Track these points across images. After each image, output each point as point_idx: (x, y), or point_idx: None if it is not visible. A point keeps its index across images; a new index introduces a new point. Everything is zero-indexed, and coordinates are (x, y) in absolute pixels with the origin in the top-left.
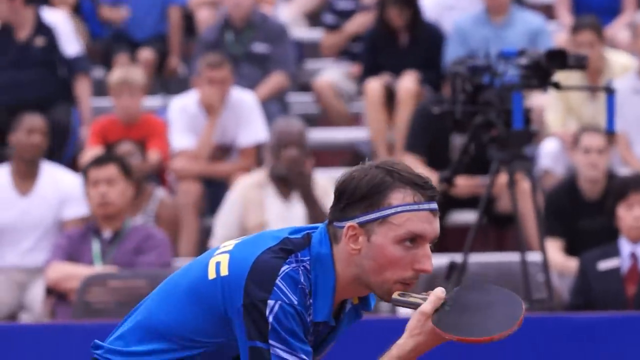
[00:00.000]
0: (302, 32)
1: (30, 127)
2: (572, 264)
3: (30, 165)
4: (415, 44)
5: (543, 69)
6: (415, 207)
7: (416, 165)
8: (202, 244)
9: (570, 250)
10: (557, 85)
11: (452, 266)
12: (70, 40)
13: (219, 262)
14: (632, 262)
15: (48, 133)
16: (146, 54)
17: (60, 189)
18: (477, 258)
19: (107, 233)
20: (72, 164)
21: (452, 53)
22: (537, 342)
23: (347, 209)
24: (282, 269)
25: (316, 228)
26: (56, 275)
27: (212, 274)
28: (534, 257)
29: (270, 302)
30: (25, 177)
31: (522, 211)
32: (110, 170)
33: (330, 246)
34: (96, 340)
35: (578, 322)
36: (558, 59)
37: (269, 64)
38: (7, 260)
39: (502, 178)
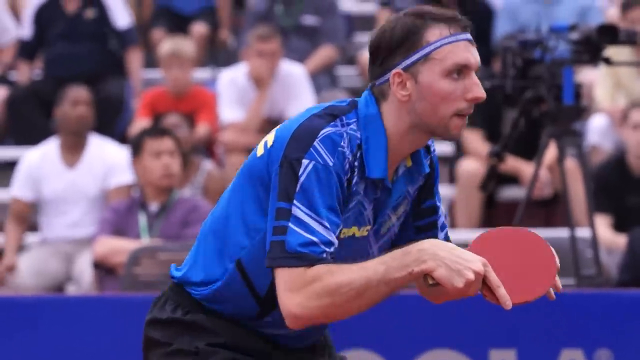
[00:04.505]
0: (351, 5)
1: (75, 99)
2: (620, 240)
3: (77, 137)
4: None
5: (594, 44)
6: (454, 38)
7: (476, 140)
8: None
9: (619, 226)
10: (607, 61)
11: None
12: (121, 12)
13: (266, 140)
14: None
15: (95, 105)
16: (198, 27)
17: (106, 160)
18: None
19: (153, 206)
20: (123, 137)
21: (501, 29)
22: (585, 319)
23: (387, 60)
24: (324, 130)
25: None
26: (103, 250)
27: (260, 152)
28: (582, 233)
29: (305, 162)
30: (73, 149)
31: (570, 187)
32: (169, 143)
33: (378, 106)
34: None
35: (627, 298)
36: (609, 34)
37: (319, 36)
38: (55, 232)
39: (551, 154)
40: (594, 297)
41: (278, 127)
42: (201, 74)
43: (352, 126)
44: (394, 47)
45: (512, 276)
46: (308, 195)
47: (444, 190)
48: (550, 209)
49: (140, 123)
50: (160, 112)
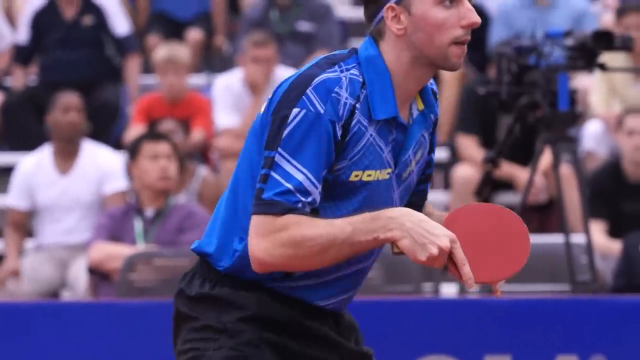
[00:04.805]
0: (346, 10)
1: (66, 105)
2: (615, 246)
3: (70, 144)
4: None
5: (589, 50)
6: None
7: (471, 146)
8: None
9: (614, 232)
10: (603, 67)
11: None
12: (120, 19)
13: (269, 95)
14: None
15: (90, 111)
16: (193, 33)
17: (100, 166)
18: None
19: (149, 212)
20: (118, 143)
21: (496, 35)
22: (580, 324)
23: None
24: (318, 78)
25: None
26: (98, 255)
27: (262, 107)
28: (577, 239)
29: (295, 110)
30: (66, 156)
31: (565, 193)
32: (166, 147)
33: (377, 47)
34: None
35: (622, 304)
36: (604, 40)
37: (314, 42)
38: (50, 238)
39: (546, 160)
40: (589, 303)
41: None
42: (196, 79)
43: (352, 70)
44: None
45: (482, 253)
46: (293, 143)
47: (439, 197)
48: (545, 214)
49: (135, 129)
50: (156, 118)
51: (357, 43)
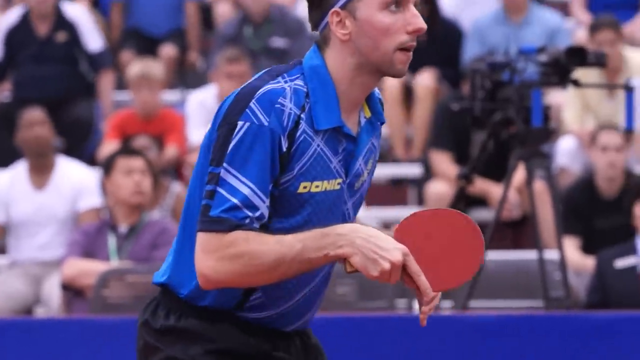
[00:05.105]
0: None
1: (30, 121)
2: (589, 262)
3: (43, 158)
4: (433, 41)
5: (562, 66)
6: None
7: (445, 162)
8: None
9: (587, 248)
10: (576, 83)
11: None
12: (93, 35)
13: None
14: None
15: (64, 127)
16: (167, 49)
17: (75, 182)
18: (494, 256)
19: (123, 228)
20: (92, 159)
21: (470, 51)
22: (554, 341)
23: (324, 2)
24: (261, 89)
25: None
26: (72, 271)
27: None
28: (551, 255)
29: (239, 124)
30: (40, 171)
31: (539, 209)
32: (140, 162)
33: (322, 55)
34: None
35: (595, 321)
36: (578, 56)
37: (288, 58)
38: (24, 254)
39: (519, 176)
40: (563, 319)
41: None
42: (170, 96)
43: (296, 81)
44: None
45: (436, 261)
46: (238, 157)
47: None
48: (519, 230)
49: (109, 145)
50: (129, 134)
51: None
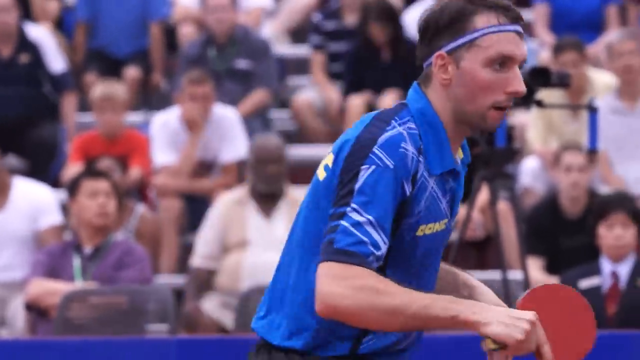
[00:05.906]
0: (285, 48)
1: None
2: (553, 282)
3: None
4: (397, 60)
5: (526, 87)
6: (502, 28)
7: None
8: (183, 261)
9: (551, 268)
10: (540, 103)
11: None
12: (56, 57)
13: (326, 163)
14: (612, 281)
15: (28, 149)
16: (131, 71)
17: (33, 201)
18: None
19: (87, 249)
20: (56, 181)
21: None
22: None
23: (434, 41)
24: (382, 137)
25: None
26: (36, 291)
27: (322, 175)
28: (515, 275)
29: (364, 167)
30: None
31: (503, 229)
32: (105, 184)
33: (426, 96)
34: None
35: None
36: (541, 76)
37: (252, 80)
38: None
39: (483, 197)
40: None
41: (334, 145)
42: (134, 117)
43: (408, 124)
44: (441, 28)
45: (556, 335)
46: (363, 197)
47: None
48: (483, 251)
49: (73, 167)
50: (93, 156)
51: (295, 81)
